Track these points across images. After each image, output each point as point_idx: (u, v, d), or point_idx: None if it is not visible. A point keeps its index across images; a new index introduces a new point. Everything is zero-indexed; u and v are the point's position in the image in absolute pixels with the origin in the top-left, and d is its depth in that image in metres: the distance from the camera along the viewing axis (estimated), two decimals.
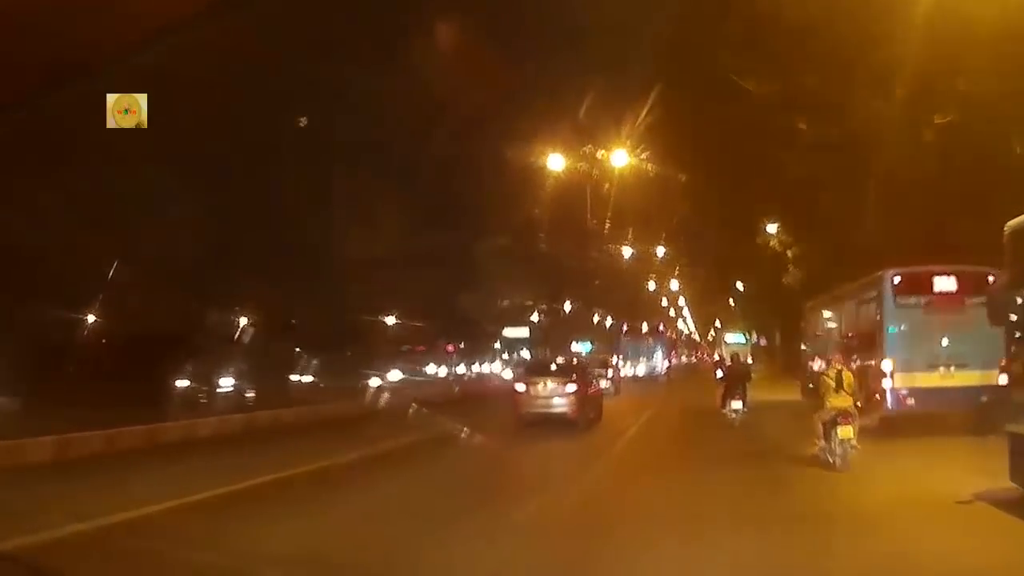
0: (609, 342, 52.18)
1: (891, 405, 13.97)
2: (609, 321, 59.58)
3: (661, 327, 50.89)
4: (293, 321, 55.63)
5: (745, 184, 22.14)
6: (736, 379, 17.25)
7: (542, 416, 16.78)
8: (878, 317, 14.62)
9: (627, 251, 43.17)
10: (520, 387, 17.77)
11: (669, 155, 24.04)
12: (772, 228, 27.34)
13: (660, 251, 42.75)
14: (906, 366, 13.90)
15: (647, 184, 26.42)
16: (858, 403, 15.05)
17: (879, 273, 14.70)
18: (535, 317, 62.59)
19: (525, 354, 65.93)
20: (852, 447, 10.09)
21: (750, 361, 24.15)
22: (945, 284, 14.27)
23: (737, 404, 16.52)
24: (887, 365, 13.99)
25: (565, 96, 26.59)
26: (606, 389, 23.41)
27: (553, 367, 18.58)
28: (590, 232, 36.98)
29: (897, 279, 14.32)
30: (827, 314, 19.45)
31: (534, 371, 18.60)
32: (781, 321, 34.53)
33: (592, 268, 47.44)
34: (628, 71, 23.37)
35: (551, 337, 58.41)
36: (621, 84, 25.00)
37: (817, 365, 18.40)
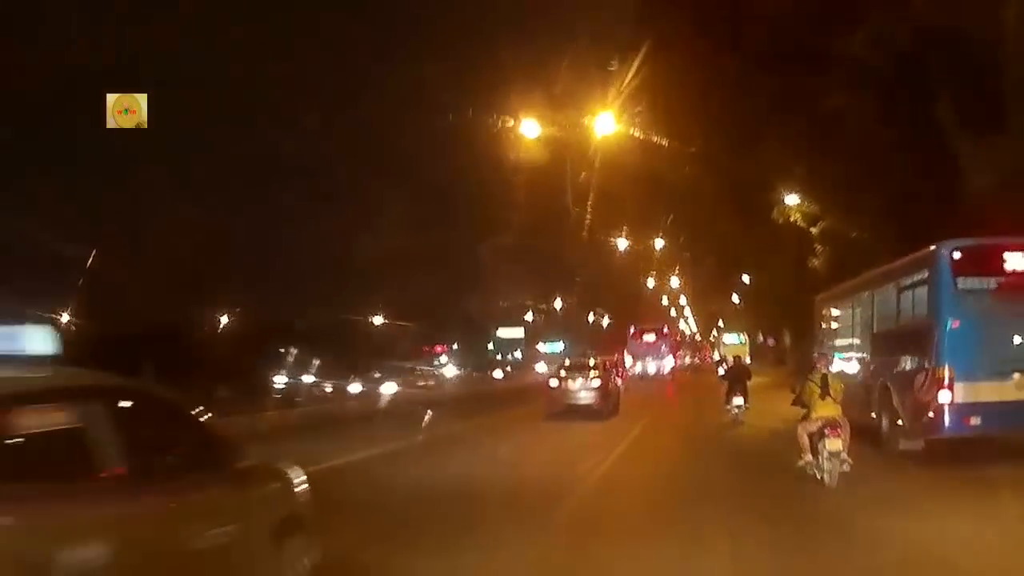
0: (606, 342, 50.26)
1: (948, 426, 10.30)
2: (606, 321, 56.65)
3: (666, 330, 53.77)
4: (295, 322, 54.76)
5: (757, 142, 17.81)
6: (737, 379, 17.98)
7: (572, 407, 19.42)
8: (929, 308, 10.90)
9: (625, 245, 39.84)
10: (554, 383, 20.50)
11: (666, 126, 19.86)
12: (792, 200, 22.11)
13: (659, 244, 39.25)
14: (969, 374, 10.22)
15: (645, 167, 22.58)
16: (898, 422, 11.68)
17: (930, 248, 10.98)
18: (529, 317, 59.88)
19: (519, 355, 63.37)
20: (843, 461, 9.02)
21: (747, 361, 23.58)
22: (1022, 262, 10.55)
23: (739, 401, 17.40)
24: (944, 373, 10.28)
25: (548, 73, 22.71)
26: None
27: (581, 367, 20.94)
28: (585, 226, 33.58)
29: (957, 255, 10.59)
30: (847, 307, 15.64)
31: (566, 369, 21.16)
32: (792, 318, 29.83)
33: (589, 265, 44.40)
34: (614, 37, 19.35)
35: (547, 338, 56.02)
36: (608, 53, 21.08)
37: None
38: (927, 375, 10.61)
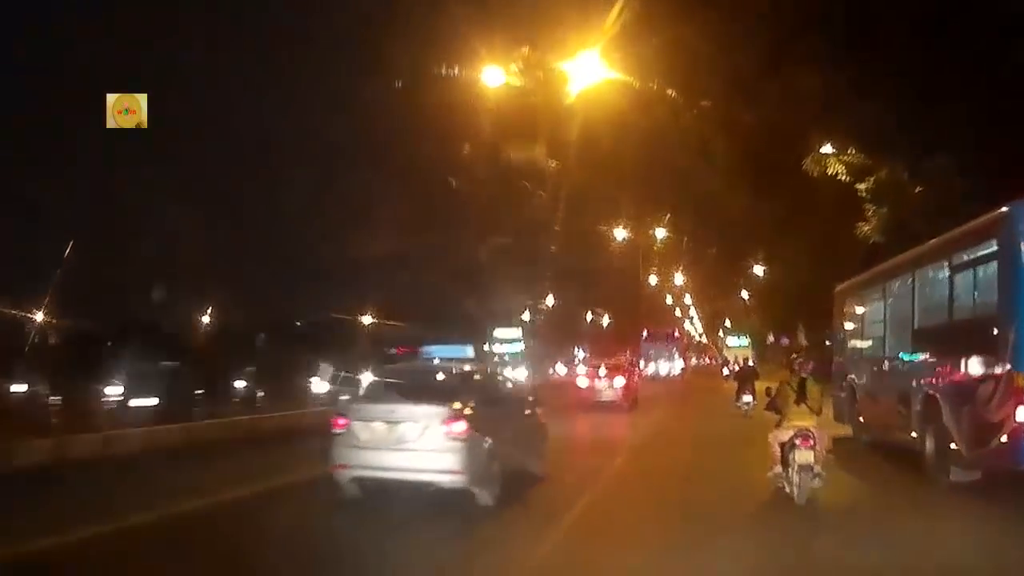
0: (606, 343, 48.25)
1: None
2: (606, 320, 53.93)
3: (677, 334, 56.92)
4: (298, 323, 53.11)
5: (786, 60, 13.82)
6: (745, 379, 19.94)
7: (599, 402, 21.99)
8: (1001, 292, 8.01)
9: (623, 235, 36.99)
10: (584, 382, 23.76)
11: (664, 63, 16.11)
12: (829, 149, 17.20)
13: (660, 235, 36.34)
14: None
15: (641, 132, 19.26)
16: (951, 445, 8.81)
17: (1000, 210, 8.07)
18: (527, 316, 57.09)
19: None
20: (816, 475, 8.15)
21: (750, 363, 25.66)
22: None
23: (747, 398, 18.97)
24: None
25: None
26: None
27: (608, 368, 23.87)
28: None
29: None
30: (878, 298, 12.66)
31: (594, 369, 24.47)
32: (811, 314, 24.81)
33: (585, 259, 41.54)
34: None
35: (542, 339, 53.46)
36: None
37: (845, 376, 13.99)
38: (997, 384, 7.72)
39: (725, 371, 40.79)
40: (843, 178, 17.03)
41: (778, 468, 8.46)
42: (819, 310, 18.47)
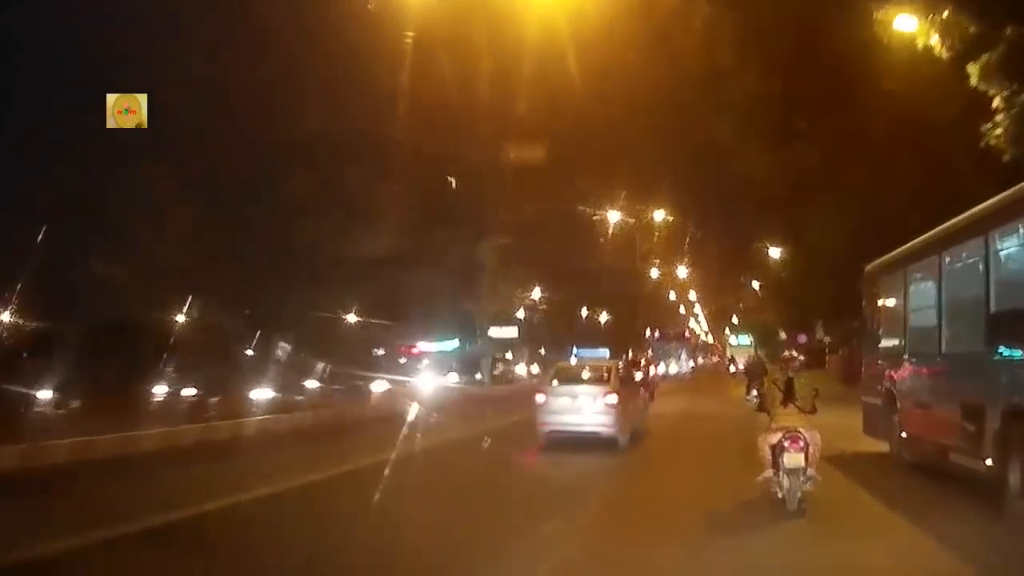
0: (608, 341, 46.42)
1: None
2: (604, 317, 51.61)
3: (686, 334, 60.40)
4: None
5: None
6: (755, 375, 20.20)
7: None
8: None
9: (619, 219, 34.46)
10: None
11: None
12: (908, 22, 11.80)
13: (659, 217, 33.67)
14: None
15: (634, 79, 16.41)
16: None
17: None
18: (521, 314, 54.62)
19: (509, 356, 58.37)
20: (808, 478, 7.72)
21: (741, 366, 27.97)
22: None
23: (756, 392, 20.13)
24: None
25: None
26: None
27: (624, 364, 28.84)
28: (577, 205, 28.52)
29: None
30: (928, 277, 9.74)
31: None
32: (847, 300, 20.61)
33: (586, 250, 39.04)
34: None
35: (539, 337, 51.24)
36: None
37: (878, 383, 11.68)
38: None
39: (732, 368, 44.59)
40: (939, 54, 11.68)
41: (769, 472, 8.03)
42: (856, 295, 14.45)
